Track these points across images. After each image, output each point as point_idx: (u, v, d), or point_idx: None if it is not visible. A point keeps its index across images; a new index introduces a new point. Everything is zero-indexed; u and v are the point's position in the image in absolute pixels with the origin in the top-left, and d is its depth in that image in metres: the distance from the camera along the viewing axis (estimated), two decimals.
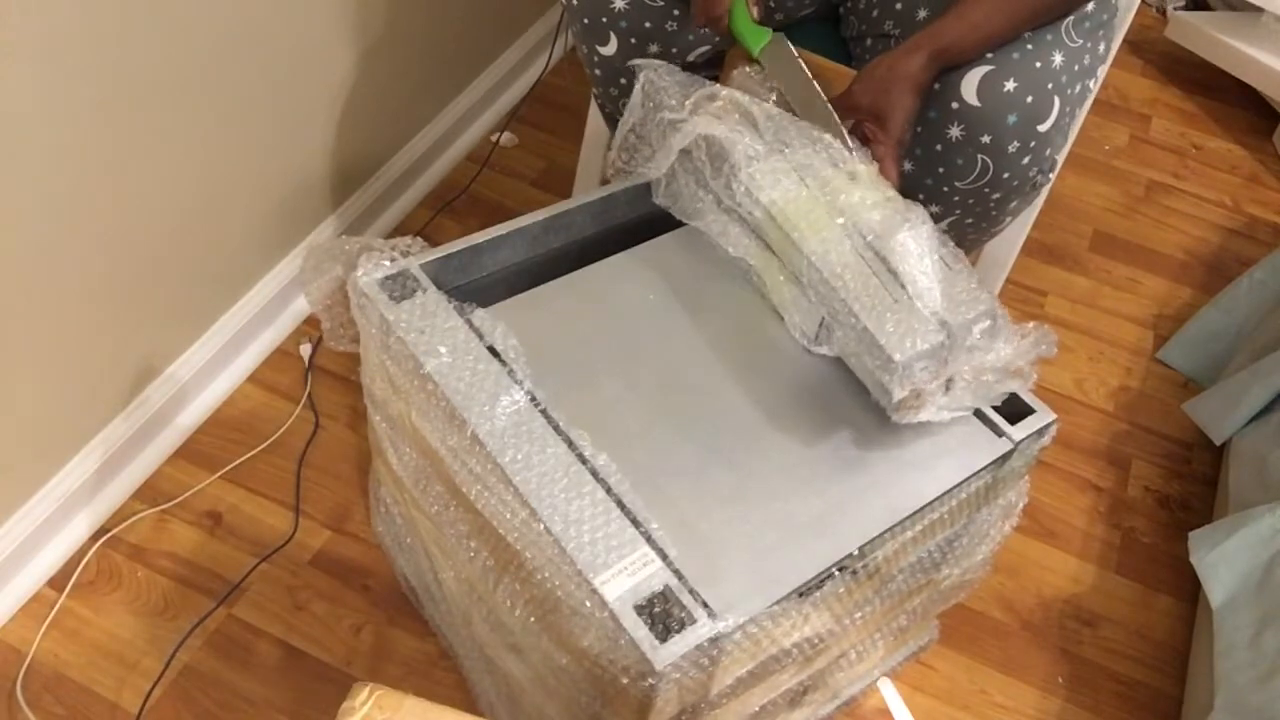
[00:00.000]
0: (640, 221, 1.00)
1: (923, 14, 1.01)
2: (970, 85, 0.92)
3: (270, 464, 1.26)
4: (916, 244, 0.83)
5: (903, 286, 0.81)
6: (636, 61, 0.99)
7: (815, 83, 0.93)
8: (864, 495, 0.80)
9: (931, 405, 0.81)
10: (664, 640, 0.67)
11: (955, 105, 0.93)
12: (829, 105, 0.92)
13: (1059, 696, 1.17)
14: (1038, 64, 0.92)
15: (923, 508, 0.80)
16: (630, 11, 1.04)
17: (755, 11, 0.97)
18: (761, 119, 0.91)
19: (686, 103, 0.93)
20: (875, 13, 1.05)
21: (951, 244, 0.86)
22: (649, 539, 0.73)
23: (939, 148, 0.96)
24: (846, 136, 0.91)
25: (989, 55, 0.92)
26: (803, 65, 0.94)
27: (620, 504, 0.74)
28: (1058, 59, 0.93)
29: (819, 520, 0.78)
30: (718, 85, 0.95)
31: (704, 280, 0.95)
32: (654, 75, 0.97)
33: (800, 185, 0.87)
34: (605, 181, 1.05)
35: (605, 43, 1.07)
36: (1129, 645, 1.22)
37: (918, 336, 0.79)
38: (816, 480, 0.81)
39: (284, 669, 1.09)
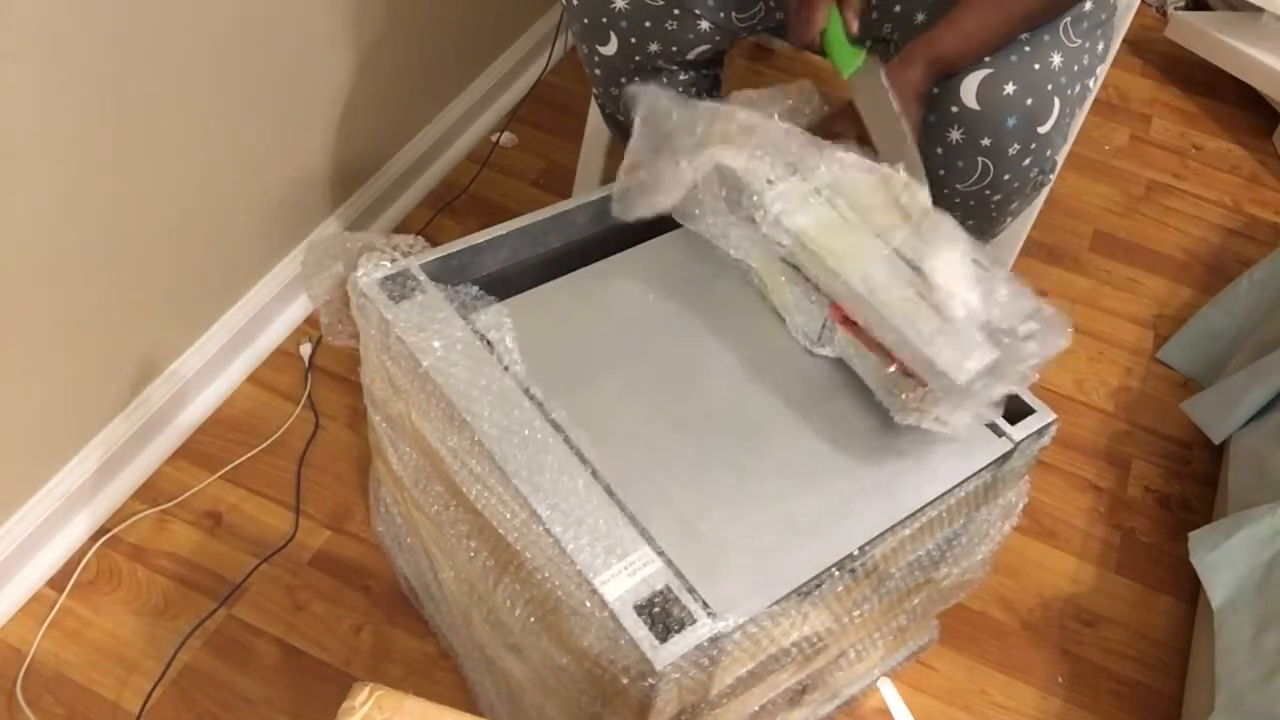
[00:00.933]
0: (640, 221, 1.00)
1: (920, 18, 1.01)
2: (970, 89, 0.92)
3: (270, 464, 1.26)
4: (953, 258, 0.81)
5: (947, 305, 0.80)
6: (634, 90, 0.92)
7: (902, 118, 0.90)
8: (864, 495, 0.80)
9: (931, 413, 0.81)
10: (664, 640, 0.67)
11: (955, 109, 0.93)
12: (912, 141, 0.89)
13: (1059, 696, 1.17)
14: (1036, 66, 0.92)
15: (922, 507, 0.80)
16: (631, 11, 1.04)
17: (854, 26, 0.94)
18: (780, 138, 0.88)
19: (698, 129, 0.89)
20: (874, 15, 1.05)
21: (984, 247, 0.84)
22: (649, 539, 0.73)
23: (939, 151, 0.96)
24: (923, 173, 0.88)
25: (987, 59, 0.92)
26: (891, 97, 0.90)
27: (620, 504, 0.74)
28: (1056, 60, 0.93)
29: (819, 520, 0.78)
30: (725, 106, 0.90)
31: (704, 280, 0.95)
32: (655, 102, 0.91)
33: (829, 208, 0.85)
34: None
35: (606, 42, 1.07)
36: (1129, 645, 1.22)
37: (973, 357, 0.78)
38: (816, 480, 0.81)
39: (284, 669, 1.10)
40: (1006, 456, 0.84)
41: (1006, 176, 0.96)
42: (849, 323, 0.86)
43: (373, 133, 1.44)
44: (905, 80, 0.91)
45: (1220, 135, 1.97)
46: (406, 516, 1.00)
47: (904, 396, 0.81)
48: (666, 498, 0.78)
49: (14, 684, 1.05)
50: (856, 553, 0.77)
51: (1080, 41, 0.95)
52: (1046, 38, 0.94)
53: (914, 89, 0.91)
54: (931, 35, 0.92)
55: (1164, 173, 1.87)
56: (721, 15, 1.07)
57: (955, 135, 0.94)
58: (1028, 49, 0.93)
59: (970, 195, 0.98)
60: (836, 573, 0.76)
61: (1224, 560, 1.09)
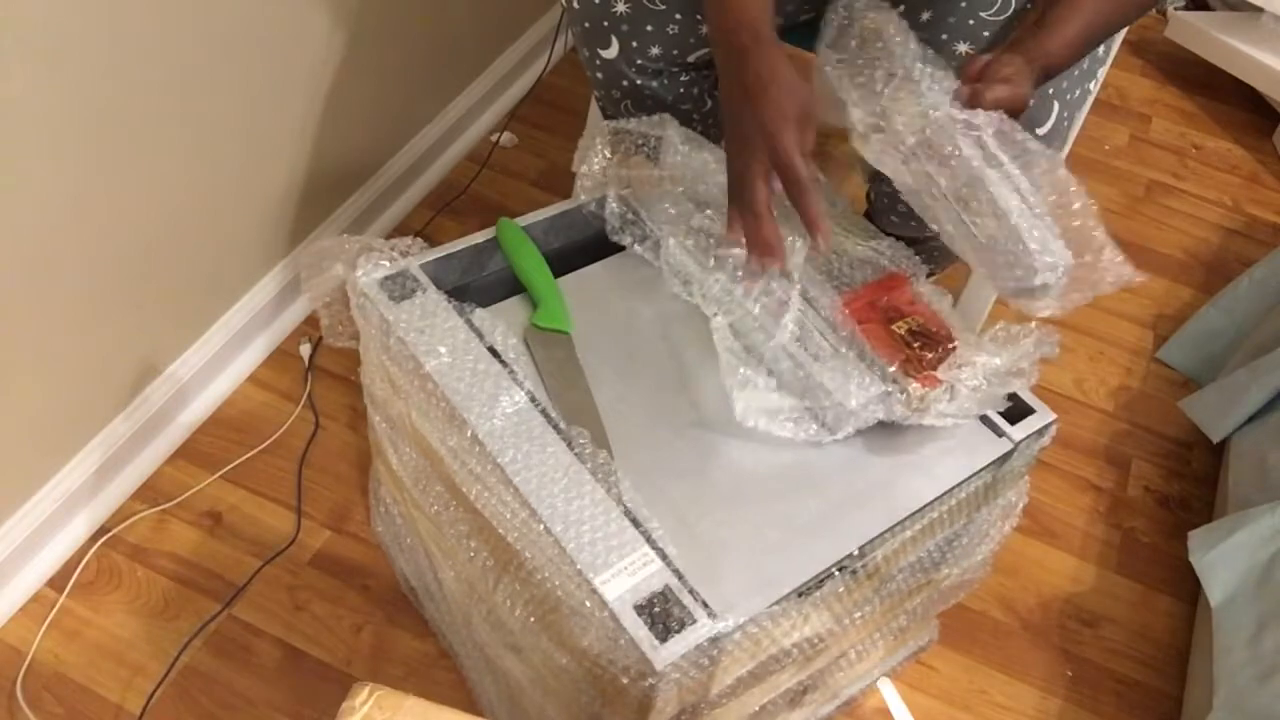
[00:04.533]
0: None
1: (926, 15, 1.01)
2: None
3: (270, 464, 1.26)
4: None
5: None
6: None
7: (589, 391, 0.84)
8: (864, 495, 0.80)
9: (934, 409, 0.81)
10: (664, 640, 0.67)
11: None
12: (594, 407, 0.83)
13: (1059, 696, 1.17)
14: None
15: (922, 508, 0.80)
16: (632, 15, 1.04)
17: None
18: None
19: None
20: None
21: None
22: (649, 539, 0.73)
23: None
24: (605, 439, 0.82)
25: None
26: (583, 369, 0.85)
27: (620, 504, 0.74)
28: None
29: (819, 520, 0.78)
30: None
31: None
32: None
33: None
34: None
35: (607, 46, 1.07)
36: (1129, 645, 1.22)
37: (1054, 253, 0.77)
38: (816, 480, 0.81)
39: (284, 669, 1.10)
40: (1006, 456, 0.84)
41: None
42: (858, 320, 0.86)
43: (373, 133, 1.44)
44: (1018, 85, 0.84)
45: (1220, 135, 1.97)
46: (406, 516, 1.00)
47: (905, 396, 0.81)
48: (666, 498, 0.78)
49: (14, 684, 1.05)
50: (856, 553, 0.77)
51: None
52: None
53: (1025, 97, 0.88)
54: (1038, 42, 0.86)
55: (1164, 173, 1.87)
56: None
57: None
58: None
59: None
60: (837, 573, 0.76)
61: (1222, 559, 1.09)
